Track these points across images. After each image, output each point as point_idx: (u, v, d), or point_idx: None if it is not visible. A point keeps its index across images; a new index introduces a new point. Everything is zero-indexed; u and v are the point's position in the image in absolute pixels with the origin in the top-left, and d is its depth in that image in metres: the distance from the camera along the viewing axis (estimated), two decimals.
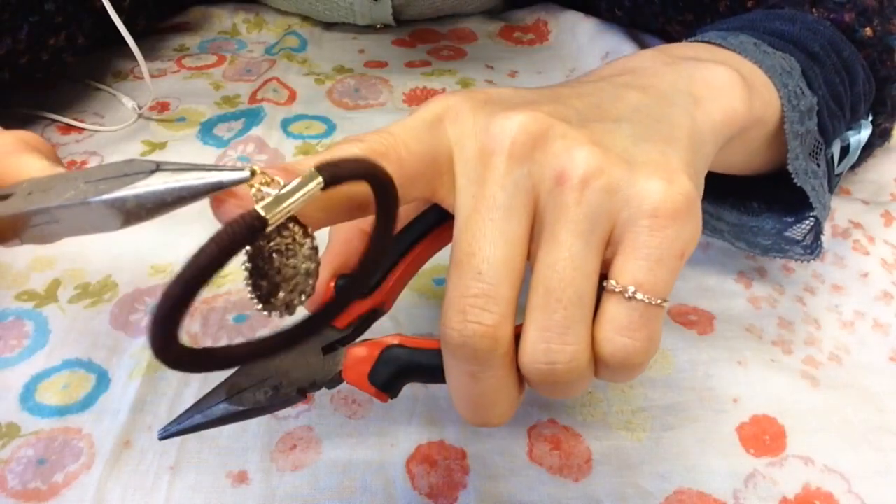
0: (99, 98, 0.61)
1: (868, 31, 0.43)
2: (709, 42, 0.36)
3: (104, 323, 0.41)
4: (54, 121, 0.57)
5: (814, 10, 0.43)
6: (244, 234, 0.19)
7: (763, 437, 0.36)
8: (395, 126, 0.26)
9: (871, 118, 0.44)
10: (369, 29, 0.73)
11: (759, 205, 0.41)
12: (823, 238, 0.39)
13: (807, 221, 0.40)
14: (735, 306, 0.43)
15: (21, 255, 0.45)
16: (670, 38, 0.63)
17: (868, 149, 0.46)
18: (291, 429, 0.36)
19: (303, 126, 0.58)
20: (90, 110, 0.58)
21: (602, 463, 0.35)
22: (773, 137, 0.35)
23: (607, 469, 0.35)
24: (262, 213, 0.19)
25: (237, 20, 0.73)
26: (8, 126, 0.32)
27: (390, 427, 0.36)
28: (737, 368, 0.39)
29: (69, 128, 0.57)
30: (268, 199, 0.20)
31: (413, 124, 0.26)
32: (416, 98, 0.62)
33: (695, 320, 0.42)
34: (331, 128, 0.58)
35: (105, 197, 0.22)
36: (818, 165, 0.38)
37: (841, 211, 0.48)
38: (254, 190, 0.21)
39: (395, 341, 0.28)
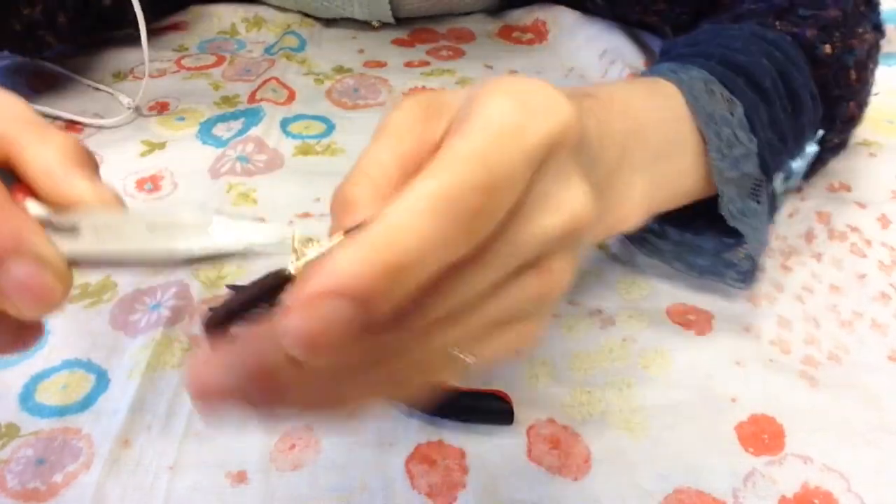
0: (98, 98, 0.61)
1: (828, 48, 0.44)
2: (662, 76, 0.38)
3: (103, 323, 0.41)
4: (54, 119, 0.57)
5: (777, 22, 0.44)
6: (277, 284, 0.23)
7: (762, 436, 0.36)
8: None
9: (820, 136, 0.44)
10: (368, 29, 0.73)
11: (702, 222, 0.40)
12: (759, 272, 0.41)
13: (741, 250, 0.40)
14: (734, 306, 0.43)
15: None
16: (648, 28, 0.66)
17: (820, 163, 0.47)
18: (290, 428, 0.36)
19: (302, 126, 0.58)
20: (90, 111, 0.58)
21: (601, 462, 0.35)
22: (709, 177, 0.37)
23: (606, 468, 0.35)
24: (293, 271, 0.23)
25: (236, 19, 0.73)
26: None
27: (389, 427, 0.36)
28: (735, 368, 0.39)
29: (68, 128, 0.57)
30: (300, 261, 0.24)
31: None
32: None
33: (693, 320, 0.42)
34: (330, 127, 0.58)
35: (174, 249, 0.24)
36: (758, 202, 0.39)
37: (838, 215, 0.49)
38: (297, 243, 0.25)
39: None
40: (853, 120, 0.48)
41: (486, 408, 0.36)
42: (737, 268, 0.41)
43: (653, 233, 0.42)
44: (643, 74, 0.40)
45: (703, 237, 0.41)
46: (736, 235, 0.39)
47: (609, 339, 0.41)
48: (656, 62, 0.44)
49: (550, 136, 0.22)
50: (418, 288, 0.20)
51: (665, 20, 0.62)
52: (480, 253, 0.22)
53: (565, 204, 0.24)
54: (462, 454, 0.35)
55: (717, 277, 0.42)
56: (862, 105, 0.49)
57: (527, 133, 0.21)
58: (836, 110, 0.45)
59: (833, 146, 0.48)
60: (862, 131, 0.57)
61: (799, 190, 0.51)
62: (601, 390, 0.38)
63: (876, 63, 0.49)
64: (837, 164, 0.54)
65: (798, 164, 0.43)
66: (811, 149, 0.44)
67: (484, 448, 0.35)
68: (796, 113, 0.41)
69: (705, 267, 0.42)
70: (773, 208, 0.41)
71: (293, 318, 0.19)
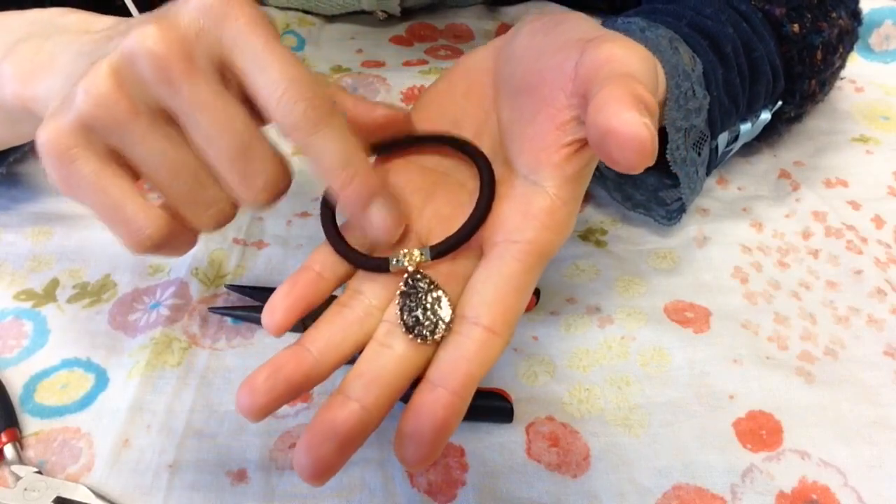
0: None
1: (795, 27, 0.47)
2: (626, 30, 0.42)
3: (103, 322, 0.41)
4: None
5: None
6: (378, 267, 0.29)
7: (760, 432, 0.36)
8: None
9: (776, 107, 0.49)
10: (367, 28, 0.73)
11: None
12: (685, 214, 0.46)
13: (675, 191, 0.45)
14: (731, 302, 0.43)
15: (19, 254, 0.45)
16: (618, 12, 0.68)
17: (774, 132, 0.52)
18: (290, 427, 0.36)
19: None
20: None
21: (600, 459, 0.35)
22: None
23: (605, 465, 0.35)
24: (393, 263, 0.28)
25: None
26: None
27: (389, 425, 0.36)
28: (733, 365, 0.39)
29: None
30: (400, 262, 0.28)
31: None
32: (414, 97, 0.62)
33: (691, 317, 0.42)
34: None
35: None
36: (699, 154, 0.43)
37: (834, 212, 0.49)
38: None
39: None
40: (813, 96, 0.52)
41: (485, 406, 0.36)
42: (668, 207, 0.46)
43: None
44: (617, 25, 0.43)
45: (647, 173, 0.45)
46: (675, 179, 0.44)
47: (608, 337, 0.41)
48: (637, 9, 0.48)
49: None
50: None
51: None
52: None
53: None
54: (461, 452, 0.35)
55: (647, 212, 0.47)
56: (824, 84, 0.52)
57: None
58: (796, 85, 0.49)
59: (788, 119, 0.52)
60: (858, 128, 0.57)
61: (796, 186, 0.51)
62: (600, 388, 0.38)
63: (848, 48, 0.52)
64: (835, 161, 0.54)
65: (746, 127, 0.47)
66: (764, 115, 0.48)
67: (483, 446, 0.35)
68: (753, 81, 0.45)
69: (640, 201, 0.47)
70: (711, 163, 0.46)
71: None
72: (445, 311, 0.27)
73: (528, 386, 0.38)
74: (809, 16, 0.48)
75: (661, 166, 0.42)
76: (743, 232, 0.48)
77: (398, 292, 0.27)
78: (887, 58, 0.65)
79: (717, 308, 0.42)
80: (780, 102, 0.49)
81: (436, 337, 0.26)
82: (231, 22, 0.26)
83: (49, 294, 0.43)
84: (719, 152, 0.46)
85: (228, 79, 0.27)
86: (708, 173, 0.46)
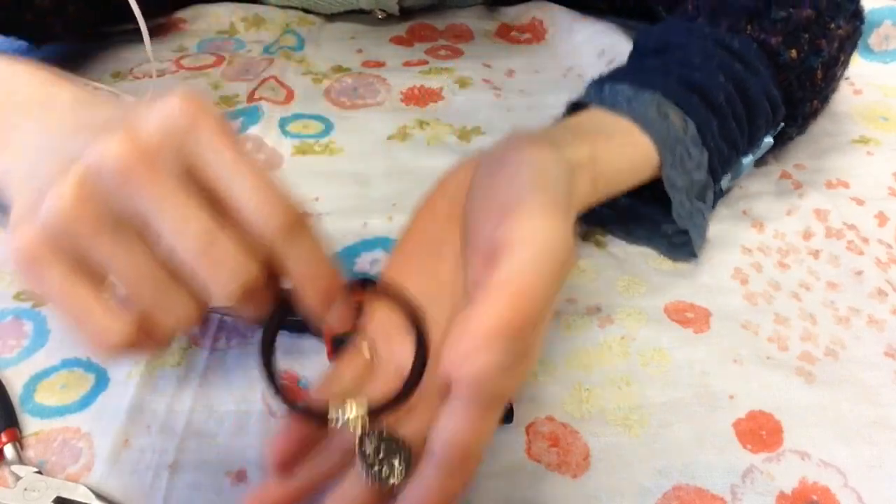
0: None
1: (793, 53, 0.47)
2: (614, 104, 0.42)
3: None
4: None
5: (748, 26, 0.47)
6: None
7: (760, 432, 0.36)
8: None
9: (777, 130, 0.49)
10: (367, 28, 0.73)
11: (647, 194, 0.44)
12: (697, 253, 0.45)
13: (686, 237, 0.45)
14: (731, 303, 0.43)
15: None
16: (646, 16, 0.67)
17: (774, 147, 0.50)
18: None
19: (300, 125, 0.58)
20: None
21: (600, 459, 0.35)
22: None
23: (605, 465, 0.35)
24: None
25: (235, 18, 0.73)
26: None
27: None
28: (733, 365, 0.39)
29: None
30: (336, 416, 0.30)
31: None
32: (414, 97, 0.62)
33: (691, 318, 0.42)
34: (328, 127, 0.58)
35: None
36: (705, 202, 0.44)
37: (835, 212, 0.49)
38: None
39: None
40: (815, 114, 0.52)
41: None
42: (671, 240, 0.46)
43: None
44: (605, 96, 0.44)
45: (649, 206, 0.45)
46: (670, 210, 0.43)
47: (608, 337, 0.41)
48: (627, 60, 0.50)
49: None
50: None
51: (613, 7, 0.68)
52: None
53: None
54: None
55: (648, 245, 0.47)
56: (826, 99, 0.52)
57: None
58: (797, 110, 0.49)
59: (787, 138, 0.52)
60: (858, 129, 0.57)
61: (798, 185, 0.51)
62: (600, 388, 0.38)
63: (850, 51, 0.52)
64: (835, 162, 0.54)
65: (748, 160, 0.47)
66: (767, 140, 0.48)
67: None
68: (751, 120, 0.45)
69: (641, 235, 0.47)
70: (716, 199, 0.46)
71: None
72: (400, 460, 0.29)
73: (528, 386, 0.38)
74: (807, 36, 0.47)
75: (661, 201, 0.43)
76: (743, 232, 0.48)
77: (356, 442, 0.29)
78: (886, 58, 0.65)
79: (717, 308, 0.42)
80: (781, 125, 0.49)
81: (393, 482, 0.29)
82: (198, 132, 0.27)
83: None
84: (723, 188, 0.47)
85: (192, 180, 0.28)
86: (713, 207, 0.47)
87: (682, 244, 0.45)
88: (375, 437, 0.30)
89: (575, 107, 0.45)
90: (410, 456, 0.29)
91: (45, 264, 0.27)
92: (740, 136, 0.45)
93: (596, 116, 0.43)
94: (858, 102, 0.60)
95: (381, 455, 0.29)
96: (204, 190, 0.28)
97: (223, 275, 0.27)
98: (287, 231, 0.28)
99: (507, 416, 0.36)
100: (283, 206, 0.28)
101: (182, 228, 0.27)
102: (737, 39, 0.46)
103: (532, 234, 0.28)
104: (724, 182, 0.46)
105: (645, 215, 0.46)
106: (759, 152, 0.48)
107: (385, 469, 0.29)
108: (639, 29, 0.53)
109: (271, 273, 0.30)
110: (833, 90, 0.53)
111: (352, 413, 0.30)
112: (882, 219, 0.48)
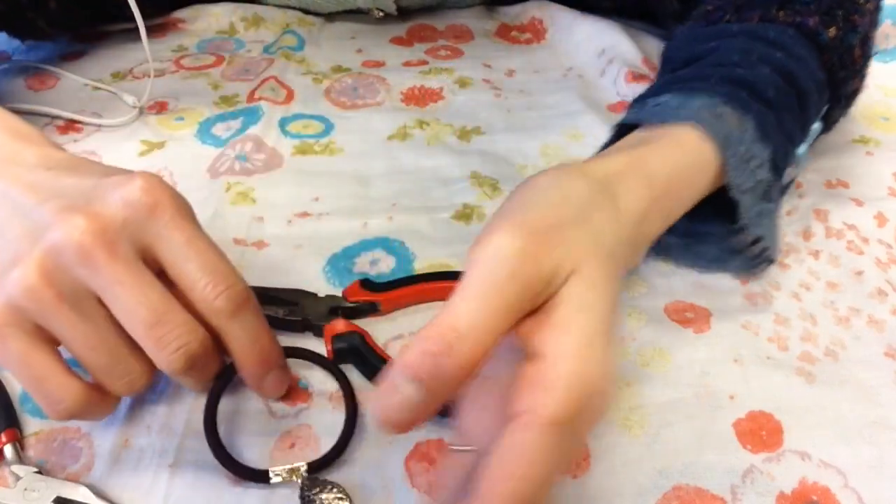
0: (98, 98, 0.61)
1: (832, 31, 0.45)
2: (662, 114, 0.40)
3: None
4: (53, 118, 0.57)
5: (780, 13, 0.45)
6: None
7: (760, 432, 0.36)
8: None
9: (823, 113, 0.47)
10: (367, 28, 0.73)
11: (707, 209, 0.41)
12: (776, 256, 0.43)
13: (761, 244, 0.42)
14: (731, 303, 0.43)
15: None
16: (647, 17, 0.67)
17: (822, 135, 0.49)
18: (290, 427, 0.36)
19: (301, 125, 0.58)
20: (88, 109, 0.58)
21: (600, 460, 0.35)
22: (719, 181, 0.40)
23: (605, 466, 0.35)
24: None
25: (234, 18, 0.73)
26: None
27: None
28: (733, 365, 0.39)
29: (67, 127, 0.57)
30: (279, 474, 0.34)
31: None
32: (414, 97, 0.62)
33: (692, 318, 0.42)
34: (329, 127, 0.58)
35: None
36: (771, 200, 0.41)
37: (835, 213, 0.49)
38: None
39: (361, 333, 0.39)
40: (856, 92, 0.50)
41: None
42: (742, 256, 0.43)
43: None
44: (648, 109, 0.41)
45: (710, 224, 0.42)
46: (735, 219, 0.40)
47: None
48: (658, 77, 0.47)
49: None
50: None
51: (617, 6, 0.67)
52: None
53: None
54: None
55: (722, 267, 0.44)
56: (864, 78, 0.50)
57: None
58: (841, 90, 0.47)
59: (832, 122, 0.50)
60: (858, 128, 0.57)
61: (798, 185, 0.51)
62: None
63: (877, 24, 0.50)
64: (835, 162, 0.54)
65: (803, 149, 0.45)
66: (816, 126, 0.46)
67: None
68: (803, 106, 0.43)
69: (712, 256, 0.44)
70: (780, 199, 0.44)
71: None
72: (343, 497, 0.33)
73: None
74: (841, 13, 0.45)
75: (724, 216, 0.41)
76: None
77: (300, 498, 0.33)
78: (887, 57, 0.65)
79: (717, 308, 0.42)
80: (826, 107, 0.47)
81: None
82: (156, 217, 0.31)
83: None
84: (784, 184, 0.45)
85: (149, 259, 0.31)
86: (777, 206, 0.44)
87: (756, 256, 0.43)
88: (316, 485, 0.33)
89: (620, 133, 0.42)
90: (349, 494, 0.33)
91: (5, 334, 0.30)
92: (796, 127, 0.43)
93: (642, 133, 0.40)
94: (859, 102, 0.60)
95: (324, 496, 0.33)
96: (159, 266, 0.31)
97: (167, 351, 0.31)
98: (228, 312, 0.32)
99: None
100: (228, 289, 0.32)
101: (132, 308, 0.30)
102: (771, 28, 0.44)
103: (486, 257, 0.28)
104: (785, 178, 0.44)
105: (709, 234, 0.43)
106: (810, 139, 0.46)
107: None
108: (664, 44, 0.50)
109: (216, 345, 0.33)
110: (868, 68, 0.50)
111: (294, 470, 0.33)
112: (882, 219, 0.48)
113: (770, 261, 0.43)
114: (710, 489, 0.34)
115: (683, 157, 0.38)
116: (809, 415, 0.37)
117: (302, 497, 0.33)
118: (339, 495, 0.33)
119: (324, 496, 0.33)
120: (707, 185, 0.39)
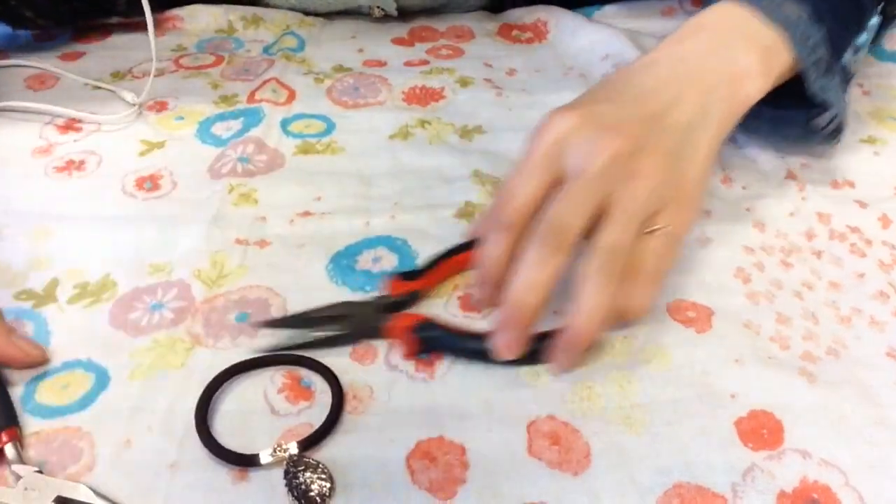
0: (97, 97, 0.61)
1: None
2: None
3: (103, 322, 0.41)
4: (53, 117, 0.57)
5: None
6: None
7: (761, 431, 0.36)
8: None
9: (881, 7, 0.54)
10: (368, 28, 0.73)
11: (789, 102, 0.49)
12: (844, 130, 0.50)
13: (828, 113, 0.49)
14: (733, 302, 0.43)
15: (20, 254, 0.45)
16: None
17: (882, 31, 0.58)
18: (292, 425, 0.36)
19: (302, 125, 0.58)
20: (87, 109, 0.58)
21: (601, 457, 0.35)
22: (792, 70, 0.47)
23: (606, 463, 0.35)
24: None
25: (233, 17, 0.73)
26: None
27: (390, 423, 0.36)
28: (734, 364, 0.39)
29: (67, 127, 0.57)
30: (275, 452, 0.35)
31: None
32: (415, 96, 0.62)
33: (693, 317, 0.42)
34: (330, 126, 0.58)
35: None
36: (832, 77, 0.48)
37: (839, 213, 0.49)
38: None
39: (430, 318, 0.40)
40: None
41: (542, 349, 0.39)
42: (823, 132, 0.51)
43: (751, 115, 0.47)
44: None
45: (792, 111, 0.50)
46: (814, 105, 0.48)
47: (609, 335, 0.41)
48: None
49: None
50: None
51: None
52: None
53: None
54: (462, 450, 0.35)
55: (806, 141, 0.52)
56: None
57: None
58: None
59: (893, 16, 0.58)
60: (866, 129, 0.57)
61: (802, 186, 0.51)
62: (601, 386, 0.38)
63: None
64: (842, 162, 0.54)
65: (863, 38, 0.52)
66: (874, 20, 0.53)
67: (484, 443, 0.35)
68: None
69: (797, 136, 0.52)
70: (845, 80, 0.51)
71: None
72: (324, 483, 0.33)
73: (529, 384, 0.38)
74: None
75: (802, 103, 0.48)
76: (746, 232, 0.48)
77: (283, 475, 0.34)
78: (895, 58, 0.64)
79: (719, 308, 0.42)
80: (882, 3, 0.53)
81: (317, 493, 0.33)
82: None
83: (49, 294, 0.43)
84: (848, 69, 0.51)
85: None
86: (844, 91, 0.50)
87: (832, 132, 0.50)
88: (301, 465, 0.34)
89: None
90: (331, 474, 0.33)
91: None
92: (850, 12, 0.49)
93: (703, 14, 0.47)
94: (868, 102, 0.60)
95: (307, 474, 0.33)
96: None
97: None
98: None
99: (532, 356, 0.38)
100: None
101: None
102: None
103: None
104: (847, 59, 0.50)
105: (793, 118, 0.51)
106: (870, 31, 0.52)
107: (314, 486, 0.33)
108: None
109: None
110: None
111: (284, 450, 0.34)
112: (886, 221, 0.48)
113: (840, 129, 0.50)
114: (711, 487, 0.34)
115: (754, 36, 0.45)
116: (810, 414, 0.37)
117: (286, 473, 0.33)
118: (322, 475, 0.33)
119: (308, 474, 0.33)
120: (774, 68, 0.45)
